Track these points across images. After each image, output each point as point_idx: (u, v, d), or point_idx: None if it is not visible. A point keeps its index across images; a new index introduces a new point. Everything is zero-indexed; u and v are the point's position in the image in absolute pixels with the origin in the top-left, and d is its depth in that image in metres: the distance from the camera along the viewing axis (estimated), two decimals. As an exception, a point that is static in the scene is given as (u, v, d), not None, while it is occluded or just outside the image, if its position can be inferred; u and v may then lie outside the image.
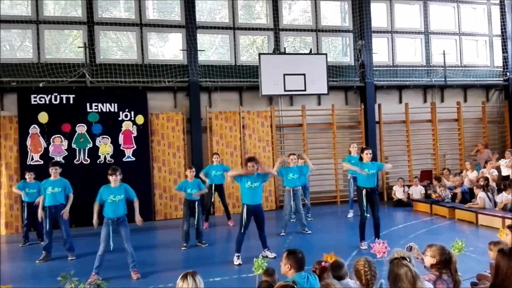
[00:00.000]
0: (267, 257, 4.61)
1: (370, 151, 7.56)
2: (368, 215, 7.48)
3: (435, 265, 3.56)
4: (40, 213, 7.54)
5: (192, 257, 7.53)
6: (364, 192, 7.37)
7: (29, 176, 8.75)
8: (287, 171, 8.86)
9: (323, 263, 4.06)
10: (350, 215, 10.33)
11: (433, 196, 10.60)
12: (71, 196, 7.53)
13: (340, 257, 4.13)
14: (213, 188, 9.70)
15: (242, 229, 6.77)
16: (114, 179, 6.30)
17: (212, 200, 9.94)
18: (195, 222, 8.04)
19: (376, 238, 7.22)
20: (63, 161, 10.20)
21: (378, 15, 13.30)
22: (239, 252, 6.77)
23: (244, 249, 7.43)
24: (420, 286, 2.92)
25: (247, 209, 6.73)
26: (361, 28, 12.78)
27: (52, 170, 7.50)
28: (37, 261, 7.32)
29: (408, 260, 3.01)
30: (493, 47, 14.60)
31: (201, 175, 9.56)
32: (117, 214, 6.28)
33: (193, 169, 8.39)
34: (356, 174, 7.66)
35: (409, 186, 11.95)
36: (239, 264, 6.62)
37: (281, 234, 8.63)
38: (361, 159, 7.57)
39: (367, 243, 7.20)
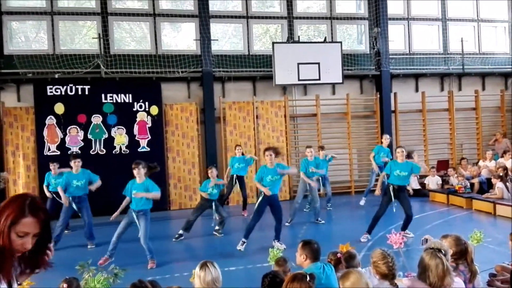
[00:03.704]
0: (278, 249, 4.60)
1: (403, 149, 7.28)
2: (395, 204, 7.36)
3: (451, 256, 3.50)
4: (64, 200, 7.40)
5: (206, 247, 7.60)
6: (391, 188, 7.20)
7: (53, 167, 8.68)
8: (308, 165, 8.81)
9: (338, 254, 4.04)
10: (362, 202, 10.27)
11: (456, 187, 10.38)
12: (99, 181, 7.69)
13: (353, 248, 4.10)
14: (234, 179, 9.69)
15: (254, 217, 6.93)
16: (138, 173, 6.42)
17: (232, 190, 9.95)
18: (215, 216, 8.03)
19: (401, 230, 7.09)
20: (79, 152, 10.30)
21: (394, 2, 12.98)
22: (246, 238, 6.92)
23: (258, 240, 7.46)
24: (449, 282, 2.87)
25: (263, 198, 6.94)
26: (377, 15, 12.54)
27: (74, 163, 7.51)
28: None
29: (444, 253, 2.96)
30: (513, 34, 14.23)
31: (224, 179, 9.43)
32: (138, 207, 6.41)
33: (213, 169, 8.07)
34: (389, 172, 7.37)
35: (425, 176, 11.79)
36: (240, 250, 6.80)
37: (286, 224, 8.50)
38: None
39: (368, 236, 7.17)
